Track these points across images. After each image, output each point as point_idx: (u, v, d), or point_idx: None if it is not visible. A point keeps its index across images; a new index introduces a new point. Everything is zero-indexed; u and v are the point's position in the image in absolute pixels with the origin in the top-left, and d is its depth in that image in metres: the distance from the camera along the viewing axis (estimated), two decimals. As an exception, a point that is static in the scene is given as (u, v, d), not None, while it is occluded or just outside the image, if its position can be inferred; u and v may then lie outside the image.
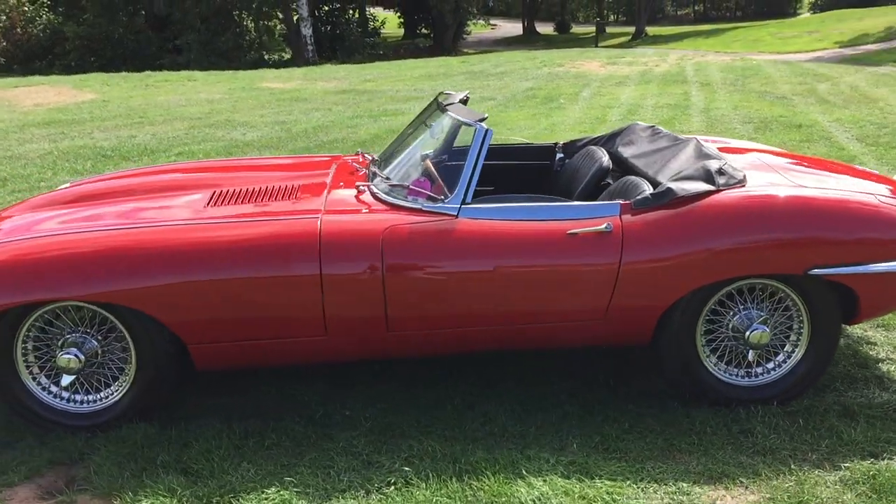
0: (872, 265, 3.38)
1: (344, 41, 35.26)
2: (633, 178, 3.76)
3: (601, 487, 2.94)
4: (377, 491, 2.93)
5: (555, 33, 51.58)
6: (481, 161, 3.43)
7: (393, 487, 2.94)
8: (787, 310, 3.50)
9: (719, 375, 3.53)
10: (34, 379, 3.33)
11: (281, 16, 33.59)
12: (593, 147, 4.43)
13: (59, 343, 3.27)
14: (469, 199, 3.38)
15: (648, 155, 4.11)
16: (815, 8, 50.64)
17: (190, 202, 3.66)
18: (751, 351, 3.50)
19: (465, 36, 46.19)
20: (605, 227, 3.31)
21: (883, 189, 3.72)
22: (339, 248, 3.24)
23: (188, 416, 3.48)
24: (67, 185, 4.38)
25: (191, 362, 3.35)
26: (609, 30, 48.00)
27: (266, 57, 33.33)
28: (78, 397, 3.37)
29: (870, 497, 2.88)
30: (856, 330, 4.28)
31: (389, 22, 48.10)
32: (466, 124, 3.61)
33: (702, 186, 3.40)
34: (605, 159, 4.11)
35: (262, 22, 33.78)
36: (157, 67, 24.08)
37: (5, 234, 3.47)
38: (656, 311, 3.39)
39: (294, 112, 12.81)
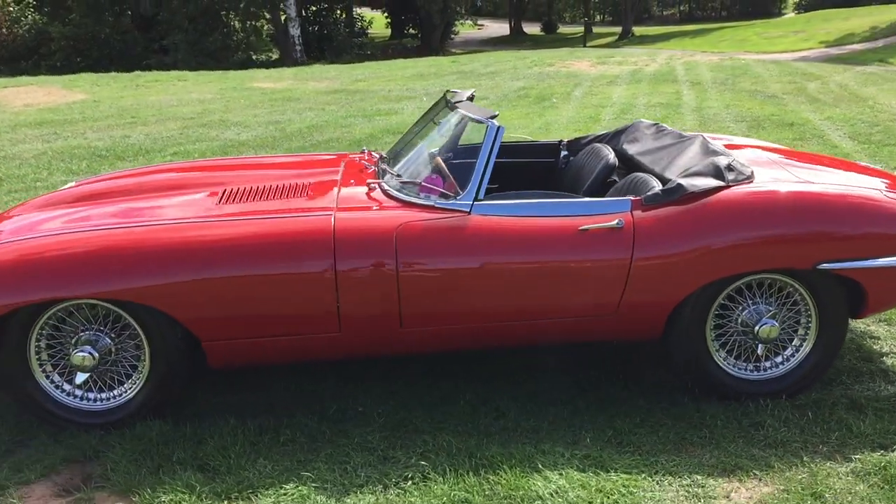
0: (880, 259, 3.43)
1: (332, 41, 35.29)
2: (641, 174, 3.79)
3: (617, 480, 2.97)
4: (395, 486, 2.94)
5: (542, 33, 51.79)
6: (493, 158, 3.45)
7: (410, 482, 2.96)
8: (796, 304, 3.54)
9: (728, 370, 3.56)
10: (47, 377, 3.32)
11: (268, 16, 33.49)
12: (598, 144, 4.45)
13: (73, 341, 3.26)
14: (482, 195, 3.40)
15: (654, 152, 4.14)
16: (800, 8, 51.08)
17: (201, 200, 3.66)
18: (760, 345, 3.53)
19: (452, 36, 46.23)
20: (617, 224, 3.34)
21: (886, 184, 3.77)
22: (352, 245, 3.25)
23: (201, 414, 3.47)
24: (73, 183, 4.36)
25: (202, 358, 3.36)
26: (596, 30, 48.26)
27: (254, 57, 33.22)
28: (92, 395, 3.36)
29: (882, 488, 2.92)
30: (859, 325, 4.33)
31: (376, 22, 48.08)
32: (478, 122, 3.62)
33: (711, 182, 3.43)
34: (611, 156, 4.14)
35: (249, 22, 33.63)
36: (144, 68, 23.92)
37: (15, 233, 3.46)
38: (667, 307, 3.42)
39: (287, 112, 12.78)
